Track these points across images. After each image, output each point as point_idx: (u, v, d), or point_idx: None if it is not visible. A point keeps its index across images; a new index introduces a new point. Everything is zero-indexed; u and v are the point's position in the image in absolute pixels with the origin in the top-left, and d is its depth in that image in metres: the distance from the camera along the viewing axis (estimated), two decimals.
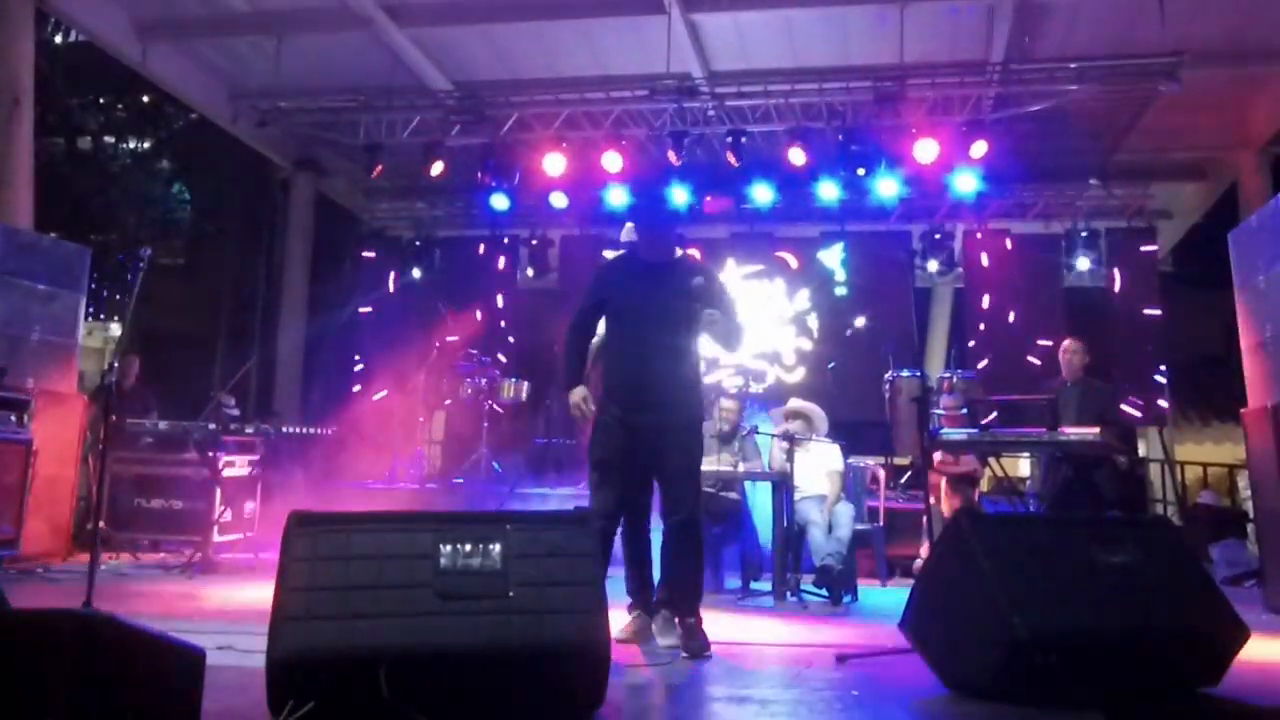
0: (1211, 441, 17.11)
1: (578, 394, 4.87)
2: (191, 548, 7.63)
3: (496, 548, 3.25)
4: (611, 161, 10.52)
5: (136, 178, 20.47)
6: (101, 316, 19.43)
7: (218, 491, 7.91)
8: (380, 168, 10.89)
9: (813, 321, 12.38)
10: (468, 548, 3.23)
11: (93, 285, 8.81)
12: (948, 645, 3.82)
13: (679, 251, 5.12)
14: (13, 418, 7.09)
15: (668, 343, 4.74)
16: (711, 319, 4.71)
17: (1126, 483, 8.12)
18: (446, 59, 10.76)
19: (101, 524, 5.99)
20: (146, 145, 21.42)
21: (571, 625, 3.16)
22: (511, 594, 3.16)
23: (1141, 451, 11.87)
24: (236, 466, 8.41)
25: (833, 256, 12.35)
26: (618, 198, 11.35)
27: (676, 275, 4.84)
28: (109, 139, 21.39)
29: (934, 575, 4.10)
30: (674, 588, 4.79)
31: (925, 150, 9.94)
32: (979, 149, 9.92)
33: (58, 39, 19.05)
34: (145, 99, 20.26)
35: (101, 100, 20.88)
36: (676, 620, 4.72)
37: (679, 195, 11.30)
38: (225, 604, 5.88)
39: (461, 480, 9.80)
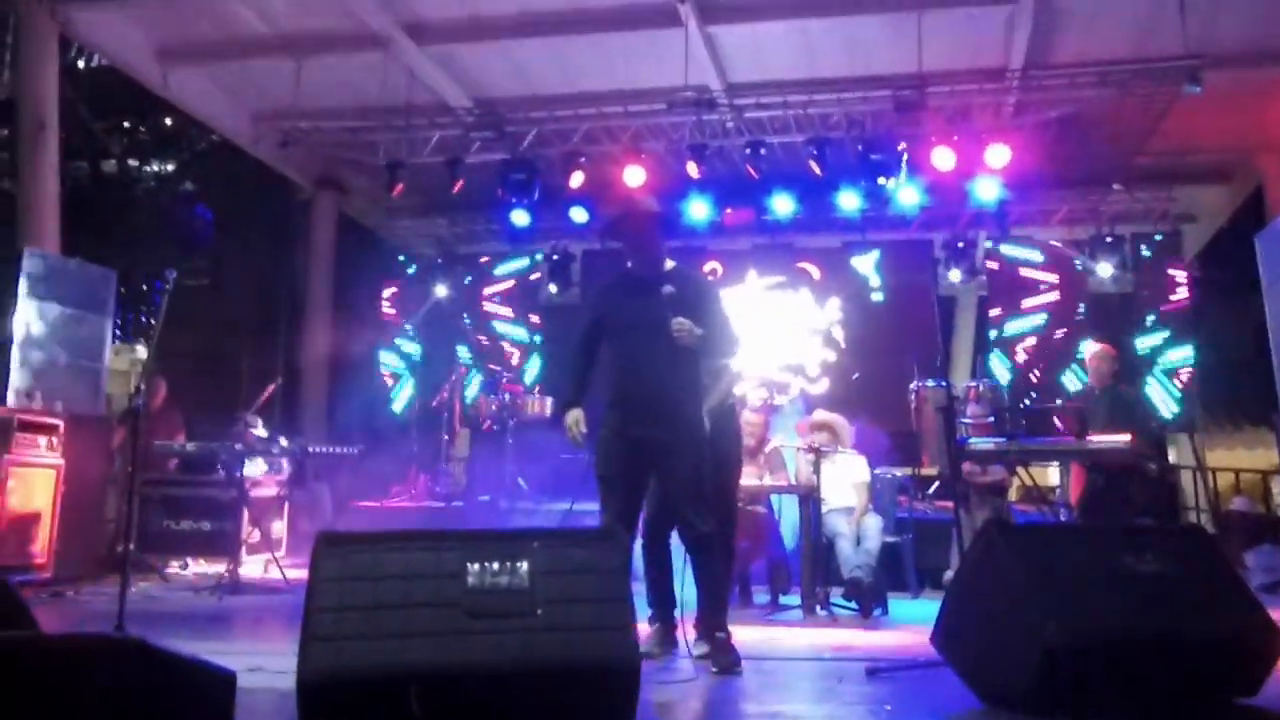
0: (1243, 446, 16.90)
1: (571, 418, 4.90)
2: (220, 569, 7.65)
3: (524, 565, 3.23)
4: (633, 175, 10.50)
5: (160, 200, 20.62)
6: (129, 339, 19.57)
7: (245, 512, 7.95)
8: (401, 186, 10.92)
9: (837, 332, 12.37)
10: (495, 566, 3.22)
11: (118, 307, 8.88)
12: (980, 657, 3.79)
13: (669, 263, 5.04)
14: (42, 441, 7.14)
15: (661, 356, 4.67)
16: (678, 327, 4.58)
17: (1158, 490, 8.06)
18: (465, 76, 10.79)
19: (131, 546, 6.02)
20: (170, 168, 21.58)
21: (600, 642, 3.15)
22: (539, 611, 3.14)
23: (1172, 458, 11.77)
24: (264, 486, 8.45)
25: (867, 263, 12.36)
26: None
27: (663, 287, 4.79)
28: (132, 162, 21.57)
29: (965, 586, 4.07)
30: (700, 603, 4.77)
31: (945, 158, 9.90)
32: (1000, 156, 9.87)
33: (80, 64, 19.23)
34: (168, 121, 20.42)
35: (125, 124, 21.06)
36: (705, 635, 4.71)
37: (698, 209, 11.31)
38: (255, 625, 5.89)
39: (488, 498, 9.80)
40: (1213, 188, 12.63)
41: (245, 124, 11.69)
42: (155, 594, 7.26)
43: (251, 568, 8.04)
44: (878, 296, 12.29)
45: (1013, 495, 8.52)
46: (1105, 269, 11.88)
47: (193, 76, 10.88)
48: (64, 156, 9.67)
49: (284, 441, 8.28)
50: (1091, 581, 3.63)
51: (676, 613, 5.02)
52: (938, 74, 9.65)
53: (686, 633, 4.83)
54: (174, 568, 8.44)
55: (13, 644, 2.45)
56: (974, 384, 9.00)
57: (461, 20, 9.80)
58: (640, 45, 9.90)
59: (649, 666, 3.89)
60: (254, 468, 8.44)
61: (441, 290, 13.24)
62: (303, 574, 3.20)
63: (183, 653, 2.62)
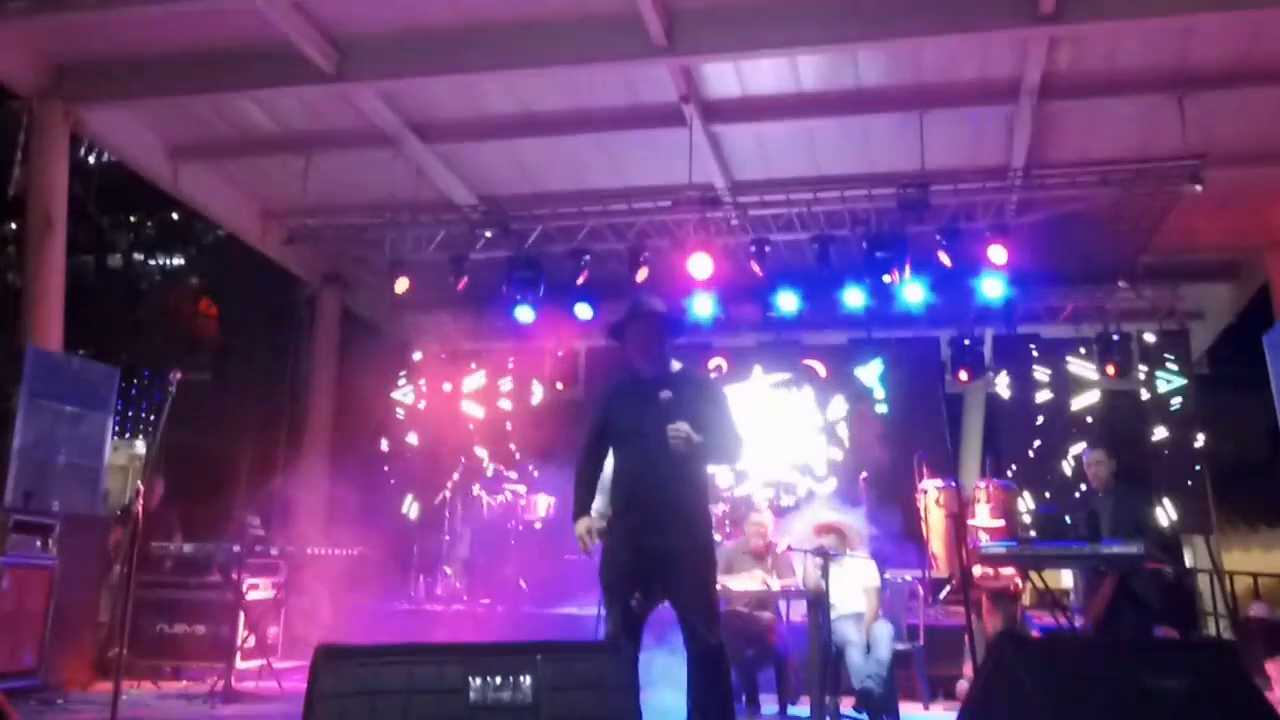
0: (1260, 548, 16.65)
1: (581, 525, 4.74)
2: (214, 675, 7.45)
3: (527, 680, 3.14)
4: (639, 273, 10.50)
5: (165, 294, 20.75)
6: (127, 434, 19.50)
7: (241, 616, 7.78)
8: (406, 282, 10.92)
9: (843, 431, 12.27)
10: (498, 680, 3.13)
11: (120, 403, 8.82)
12: None
13: (675, 364, 4.93)
14: (37, 543, 7.03)
15: (664, 462, 4.53)
16: (674, 434, 4.43)
17: (1174, 594, 7.89)
18: (471, 174, 10.91)
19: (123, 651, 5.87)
20: (176, 262, 21.75)
21: None
22: None
23: (1188, 561, 11.58)
24: (260, 589, 8.28)
25: (870, 373, 12.28)
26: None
27: (661, 393, 4.65)
28: (138, 255, 21.74)
29: (979, 704, 3.93)
30: (704, 717, 4.58)
31: (950, 256, 9.90)
32: (1003, 254, 9.86)
33: (90, 159, 19.45)
34: (174, 216, 20.64)
35: (131, 218, 21.28)
36: None
37: (702, 305, 11.28)
38: None
39: (489, 601, 9.63)
40: (1219, 285, 12.67)
41: (253, 220, 11.79)
42: (147, 701, 7.08)
43: (246, 672, 7.85)
44: (882, 409, 12.21)
45: (1026, 600, 8.34)
46: (1111, 368, 11.83)
47: (202, 173, 11.02)
48: (70, 250, 9.69)
49: (282, 542, 8.17)
50: (1110, 701, 3.52)
51: None
52: (941, 172, 9.72)
53: None
54: (166, 673, 8.26)
55: None
56: (983, 484, 8.88)
57: (468, 119, 9.93)
58: (644, 144, 10.01)
59: None
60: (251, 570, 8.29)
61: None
62: (298, 680, 3.09)
63: None
